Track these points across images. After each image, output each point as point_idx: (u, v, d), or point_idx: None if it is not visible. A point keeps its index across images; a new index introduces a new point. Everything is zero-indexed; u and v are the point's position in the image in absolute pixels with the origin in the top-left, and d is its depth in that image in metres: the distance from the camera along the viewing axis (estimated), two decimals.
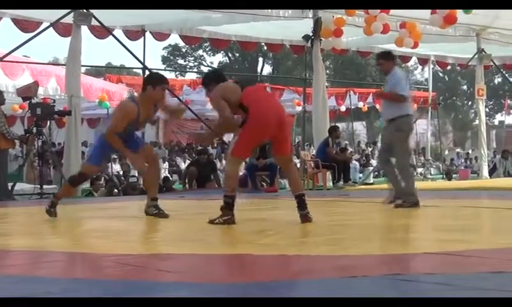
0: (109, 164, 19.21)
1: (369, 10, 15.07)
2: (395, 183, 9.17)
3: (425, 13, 15.42)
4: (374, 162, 27.51)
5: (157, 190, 8.00)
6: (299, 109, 25.14)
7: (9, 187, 12.71)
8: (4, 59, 14.52)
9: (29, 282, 3.88)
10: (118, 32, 16.20)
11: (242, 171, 19.99)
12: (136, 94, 8.22)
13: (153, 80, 7.64)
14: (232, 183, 6.90)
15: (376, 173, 21.95)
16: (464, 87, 58.49)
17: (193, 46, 43.79)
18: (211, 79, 7.16)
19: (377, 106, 29.66)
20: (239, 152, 7.00)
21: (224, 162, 23.01)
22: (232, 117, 6.83)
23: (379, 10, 14.96)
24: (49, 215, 7.75)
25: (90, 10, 13.35)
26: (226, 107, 6.73)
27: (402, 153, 9.20)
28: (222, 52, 53.82)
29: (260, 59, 54.65)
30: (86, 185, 14.12)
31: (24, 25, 14.73)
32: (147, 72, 16.99)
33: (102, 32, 15.21)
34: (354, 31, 16.47)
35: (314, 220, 6.80)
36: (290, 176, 7.25)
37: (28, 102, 12.91)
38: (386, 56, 9.61)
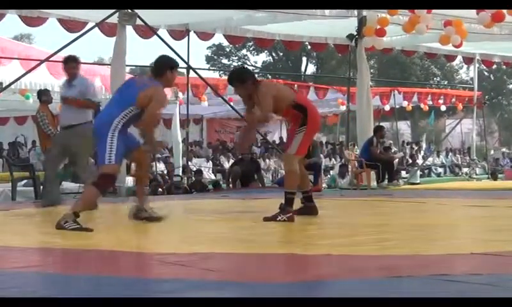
0: (153, 163, 19.36)
1: (415, 10, 14.90)
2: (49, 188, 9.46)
3: (470, 12, 15.23)
4: (419, 161, 27.37)
5: (147, 195, 7.43)
6: (343, 108, 25.00)
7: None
8: (50, 59, 14.67)
9: (73, 280, 3.92)
10: (163, 32, 16.24)
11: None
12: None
13: (172, 63, 7.02)
14: (296, 181, 7.12)
15: (421, 173, 21.75)
16: (510, 86, 57.72)
17: (237, 45, 43.86)
18: (248, 76, 7.22)
19: (422, 105, 29.55)
20: (302, 151, 7.23)
21: (268, 161, 23.03)
22: (272, 117, 6.97)
23: (425, 10, 14.78)
24: (81, 230, 6.28)
25: (135, 10, 13.44)
26: (271, 105, 6.82)
27: (85, 162, 9.40)
28: (266, 51, 53.79)
29: (304, 59, 54.51)
30: (131, 184, 14.21)
31: (69, 26, 14.85)
32: (190, 70, 17.14)
33: (147, 32, 15.26)
34: (398, 30, 16.32)
35: (358, 220, 6.81)
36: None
37: None
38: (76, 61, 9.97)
